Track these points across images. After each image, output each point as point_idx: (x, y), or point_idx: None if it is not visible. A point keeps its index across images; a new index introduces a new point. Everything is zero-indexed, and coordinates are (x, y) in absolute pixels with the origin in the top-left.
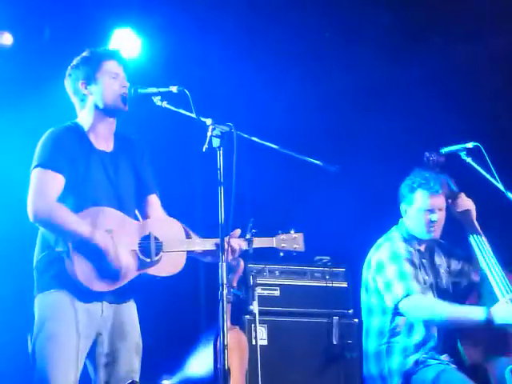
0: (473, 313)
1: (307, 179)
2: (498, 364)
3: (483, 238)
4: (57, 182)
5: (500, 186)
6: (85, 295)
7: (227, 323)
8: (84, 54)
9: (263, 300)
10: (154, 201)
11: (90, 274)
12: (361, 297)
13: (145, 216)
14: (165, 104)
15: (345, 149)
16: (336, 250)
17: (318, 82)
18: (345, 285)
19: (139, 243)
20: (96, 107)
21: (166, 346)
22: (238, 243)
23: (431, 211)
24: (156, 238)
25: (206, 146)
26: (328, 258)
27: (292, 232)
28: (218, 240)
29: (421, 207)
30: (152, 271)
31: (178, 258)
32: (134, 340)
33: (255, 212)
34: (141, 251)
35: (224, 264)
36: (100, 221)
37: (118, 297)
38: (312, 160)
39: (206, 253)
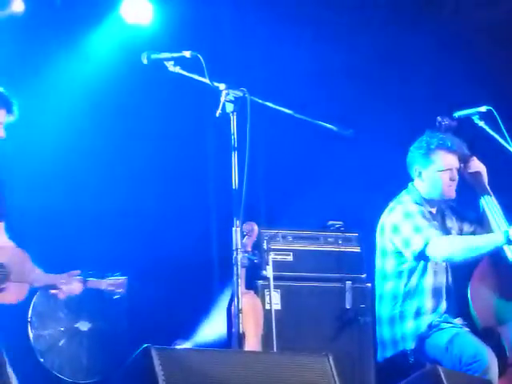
0: (492, 236)
1: (321, 144)
2: None
3: (493, 199)
4: None
5: None
6: None
7: (242, 288)
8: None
9: (276, 265)
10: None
11: None
12: (376, 263)
13: None
14: (178, 69)
15: (358, 114)
16: (349, 215)
17: (330, 46)
18: (358, 249)
19: None
20: None
21: (179, 310)
22: (71, 286)
23: (451, 170)
24: (3, 266)
25: (219, 111)
26: (341, 222)
27: (118, 276)
28: (53, 277)
29: (440, 167)
30: None
31: (21, 289)
32: None
33: (268, 177)
34: None
35: (238, 229)
36: None
37: None
38: (326, 124)
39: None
